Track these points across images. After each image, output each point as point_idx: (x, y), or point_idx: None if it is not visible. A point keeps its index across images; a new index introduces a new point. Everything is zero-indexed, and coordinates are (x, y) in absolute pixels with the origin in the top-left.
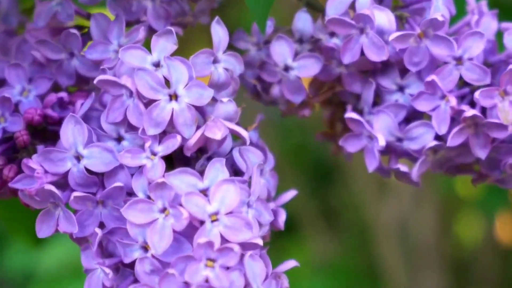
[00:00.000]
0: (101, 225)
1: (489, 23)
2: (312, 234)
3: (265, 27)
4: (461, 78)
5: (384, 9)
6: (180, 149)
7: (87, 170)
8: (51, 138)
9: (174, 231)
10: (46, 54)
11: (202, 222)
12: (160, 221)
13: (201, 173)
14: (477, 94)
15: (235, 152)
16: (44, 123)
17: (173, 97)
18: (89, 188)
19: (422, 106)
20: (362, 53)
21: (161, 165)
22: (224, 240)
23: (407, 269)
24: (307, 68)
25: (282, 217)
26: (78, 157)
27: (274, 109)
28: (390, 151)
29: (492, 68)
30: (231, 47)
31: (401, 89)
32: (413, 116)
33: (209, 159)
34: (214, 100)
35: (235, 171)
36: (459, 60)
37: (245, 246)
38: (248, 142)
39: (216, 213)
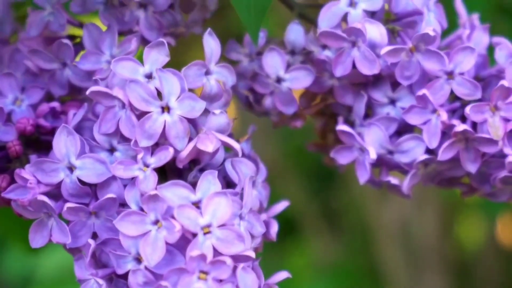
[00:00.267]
0: (94, 236)
1: (481, 38)
2: (314, 236)
3: (257, 39)
4: (452, 92)
5: (376, 22)
6: (173, 160)
7: (80, 181)
8: (43, 148)
9: (166, 243)
10: (39, 64)
11: (194, 235)
12: (153, 233)
13: (194, 184)
14: (468, 109)
15: (227, 164)
16: (36, 132)
17: (165, 109)
18: (82, 199)
19: (413, 119)
20: (354, 66)
21: (154, 177)
22: (216, 252)
23: (409, 271)
24: (299, 80)
25: (274, 228)
26: (71, 168)
27: None
28: (381, 163)
29: (483, 82)
30: (223, 57)
31: (392, 102)
32: (404, 129)
33: (201, 170)
34: (206, 111)
35: (228, 183)
36: (450, 74)
37: (238, 258)
38: (240, 154)
39: (209, 226)
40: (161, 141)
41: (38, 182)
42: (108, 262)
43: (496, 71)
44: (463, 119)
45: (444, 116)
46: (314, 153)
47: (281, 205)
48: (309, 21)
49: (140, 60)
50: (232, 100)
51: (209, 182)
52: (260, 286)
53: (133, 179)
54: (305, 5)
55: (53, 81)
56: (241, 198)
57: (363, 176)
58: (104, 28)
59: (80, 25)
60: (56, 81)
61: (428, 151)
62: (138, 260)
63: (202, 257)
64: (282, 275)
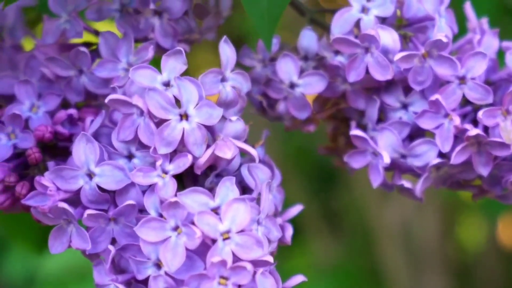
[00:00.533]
0: (113, 242)
1: (491, 42)
2: (315, 237)
3: (271, 45)
4: (464, 96)
5: (389, 28)
6: (190, 167)
7: (99, 187)
8: (61, 154)
9: (186, 249)
10: (55, 71)
11: (214, 241)
12: (173, 239)
13: (211, 190)
14: (480, 114)
15: (243, 170)
16: (54, 139)
17: (184, 116)
18: (101, 205)
19: (425, 124)
20: (367, 71)
21: (173, 184)
22: (235, 258)
23: (410, 272)
24: (312, 86)
25: (289, 232)
26: (90, 175)
27: None
28: (394, 167)
29: (493, 86)
30: (236, 63)
31: (404, 106)
32: (416, 133)
33: (218, 176)
34: (223, 118)
35: (243, 188)
36: (462, 79)
37: (256, 263)
38: (257, 161)
39: (228, 232)
40: (179, 148)
41: (58, 189)
42: (127, 267)
43: (506, 75)
44: (475, 123)
45: (457, 120)
46: (315, 154)
47: (296, 209)
48: (321, 26)
49: (155, 66)
50: None
51: (227, 189)
52: None
53: (151, 186)
54: (316, 10)
55: (69, 88)
56: (258, 203)
57: (376, 180)
58: (120, 35)
59: (96, 33)
60: (73, 88)
61: (441, 154)
62: (158, 265)
63: (223, 263)
64: (298, 278)
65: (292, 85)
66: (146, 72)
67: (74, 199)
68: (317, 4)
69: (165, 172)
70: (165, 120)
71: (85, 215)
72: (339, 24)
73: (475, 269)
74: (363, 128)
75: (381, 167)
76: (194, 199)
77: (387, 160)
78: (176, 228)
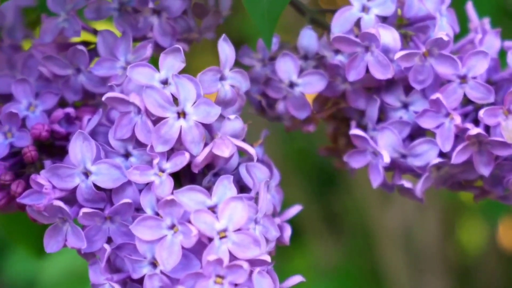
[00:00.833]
0: (109, 241)
1: (492, 42)
2: (316, 238)
3: (271, 44)
4: (465, 96)
5: (389, 27)
6: (188, 165)
7: (95, 186)
8: (58, 153)
9: (182, 248)
10: (53, 70)
11: (210, 239)
12: (169, 238)
13: (208, 189)
14: (481, 113)
15: (241, 169)
16: (51, 138)
17: (181, 114)
18: (97, 204)
19: (426, 123)
20: (367, 70)
21: (169, 182)
22: (232, 256)
23: (411, 274)
24: (312, 85)
25: (288, 232)
26: (87, 173)
27: None
28: (394, 167)
29: (495, 86)
30: (236, 62)
31: (405, 106)
32: (417, 133)
33: (216, 175)
34: (221, 116)
35: (241, 187)
36: (463, 78)
37: (253, 262)
38: (255, 160)
39: (225, 230)
40: (177, 146)
41: (54, 187)
42: (123, 266)
43: (508, 74)
44: (476, 122)
45: (458, 119)
46: (315, 156)
47: (294, 209)
48: (321, 25)
49: (154, 65)
50: None
51: (225, 187)
52: None
53: (148, 184)
54: (316, 10)
55: (67, 87)
56: (256, 202)
57: (376, 180)
58: (118, 34)
59: (94, 32)
60: (70, 87)
61: (441, 154)
62: (154, 264)
63: (219, 261)
64: (296, 279)
65: (292, 85)
66: (144, 70)
67: (70, 197)
68: (317, 5)
69: (162, 171)
70: (163, 118)
71: (80, 213)
72: (339, 23)
73: (475, 271)
74: (363, 128)
75: (381, 167)
76: (190, 197)
77: (387, 159)
78: (172, 227)
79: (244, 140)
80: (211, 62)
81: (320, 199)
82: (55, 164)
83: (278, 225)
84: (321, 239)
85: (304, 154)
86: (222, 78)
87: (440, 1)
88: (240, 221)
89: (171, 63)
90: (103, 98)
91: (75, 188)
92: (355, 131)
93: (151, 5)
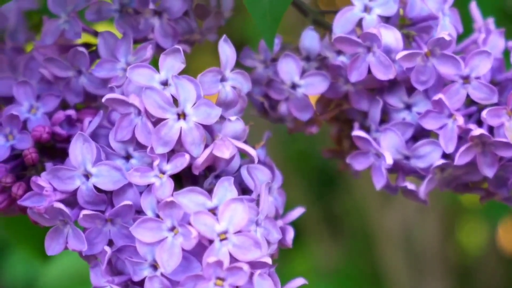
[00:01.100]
0: (110, 243)
1: (496, 41)
2: (316, 240)
3: (273, 45)
4: (468, 96)
5: (391, 27)
6: (189, 167)
7: (96, 188)
8: (58, 155)
9: (183, 250)
10: (54, 72)
11: (211, 241)
12: (169, 240)
13: (210, 191)
14: (484, 113)
15: (243, 171)
16: (52, 140)
17: (181, 116)
18: (98, 206)
19: (429, 124)
20: (369, 71)
21: (170, 184)
22: (233, 259)
23: (411, 276)
24: (314, 86)
25: (290, 234)
26: (87, 175)
27: None
28: (397, 169)
29: (499, 86)
30: (237, 64)
31: (408, 107)
32: (420, 134)
33: (217, 177)
34: (222, 118)
35: (243, 189)
36: (466, 79)
37: (254, 265)
38: (256, 161)
39: (225, 232)
40: (177, 148)
41: (54, 189)
42: (124, 269)
43: None
44: (479, 123)
45: (461, 120)
46: (316, 158)
47: (297, 212)
48: (323, 26)
49: (155, 67)
50: None
51: (225, 189)
52: None
53: (148, 186)
54: (319, 11)
55: (68, 89)
56: (257, 204)
57: (379, 182)
58: (119, 35)
59: (95, 33)
60: (71, 89)
61: (445, 155)
62: (154, 267)
63: (219, 263)
64: (298, 281)
65: (294, 86)
66: (143, 71)
67: (71, 199)
68: (317, 6)
69: (163, 172)
70: (162, 119)
71: (81, 215)
72: (341, 24)
73: (475, 273)
74: (366, 129)
75: (384, 169)
76: (191, 199)
77: (390, 161)
78: (172, 229)
79: (245, 142)
80: (211, 63)
81: (320, 200)
82: (55, 166)
83: (281, 227)
84: (321, 241)
85: (305, 155)
86: (223, 79)
87: (442, 0)
88: (240, 223)
89: (171, 64)
90: (103, 100)
91: (75, 190)
92: (357, 132)
93: (152, 6)
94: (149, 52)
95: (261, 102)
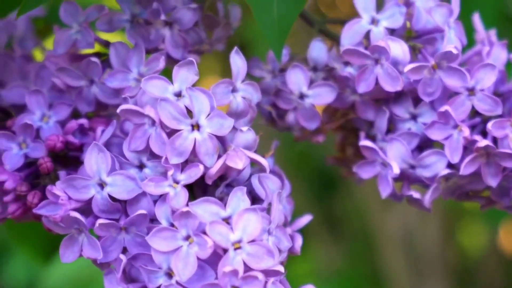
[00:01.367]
0: (124, 251)
1: (499, 54)
2: (317, 242)
3: (281, 56)
4: (472, 108)
5: (399, 40)
6: (201, 176)
7: (110, 197)
8: (71, 164)
9: (198, 259)
10: (66, 81)
11: (225, 250)
12: (184, 249)
13: (221, 199)
14: (489, 125)
15: (254, 180)
16: (65, 149)
17: (195, 127)
18: (112, 215)
19: (435, 135)
20: (376, 82)
21: (184, 194)
22: (246, 267)
23: (412, 278)
24: (322, 97)
25: (299, 242)
26: (102, 185)
27: None
28: (403, 178)
29: (501, 97)
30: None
31: (414, 117)
32: (425, 144)
33: (228, 186)
34: (233, 128)
35: (253, 198)
36: (471, 91)
37: (267, 273)
38: (268, 171)
39: (239, 241)
40: (191, 158)
41: (69, 198)
42: (138, 276)
43: None
44: (484, 134)
45: (466, 131)
46: (317, 160)
47: (305, 219)
48: (330, 37)
49: (166, 77)
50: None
51: (238, 199)
52: None
53: (162, 196)
54: (325, 22)
55: (80, 98)
56: (268, 213)
57: (385, 191)
58: (130, 45)
59: (106, 43)
60: (83, 98)
61: (450, 165)
62: (169, 275)
63: (234, 272)
64: None
65: (302, 96)
66: (158, 83)
67: (86, 208)
68: (322, 14)
69: (177, 182)
70: (177, 130)
71: (96, 224)
72: (349, 36)
73: (476, 275)
74: (372, 138)
75: (390, 178)
76: (205, 209)
77: (396, 170)
78: (187, 238)
79: (255, 151)
80: (213, 67)
81: (321, 203)
82: (70, 175)
83: (290, 235)
84: (322, 243)
85: (305, 158)
86: (234, 90)
87: (448, 13)
88: (254, 232)
89: (185, 75)
90: (118, 110)
91: (90, 199)
92: (364, 142)
93: (163, 17)
94: (162, 63)
95: (269, 111)
